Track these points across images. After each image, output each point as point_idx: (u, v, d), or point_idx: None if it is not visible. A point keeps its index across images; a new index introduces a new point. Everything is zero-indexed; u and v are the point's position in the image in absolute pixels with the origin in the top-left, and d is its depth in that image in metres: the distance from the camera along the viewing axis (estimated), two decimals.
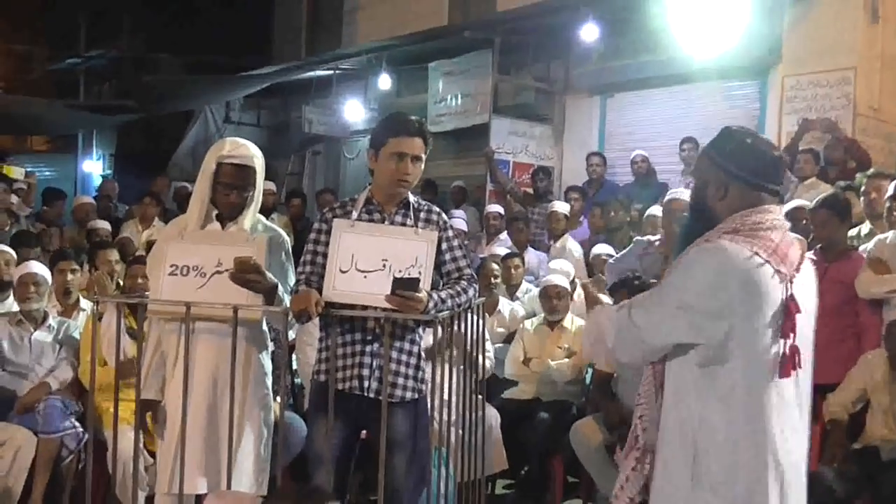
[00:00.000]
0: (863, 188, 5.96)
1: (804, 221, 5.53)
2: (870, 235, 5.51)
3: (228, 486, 3.31)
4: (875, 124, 7.99)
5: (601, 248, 6.87)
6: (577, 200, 8.34)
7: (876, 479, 4.17)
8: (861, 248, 5.23)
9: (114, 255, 5.98)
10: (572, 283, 6.29)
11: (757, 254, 2.29)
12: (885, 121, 8.06)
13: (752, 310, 2.28)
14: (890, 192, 5.32)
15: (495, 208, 8.69)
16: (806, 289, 2.40)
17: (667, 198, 5.98)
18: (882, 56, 8.04)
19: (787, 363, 2.29)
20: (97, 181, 15.16)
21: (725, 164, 2.40)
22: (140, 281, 4.90)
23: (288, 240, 3.77)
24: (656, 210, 6.60)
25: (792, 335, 2.29)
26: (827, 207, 5.12)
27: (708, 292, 2.28)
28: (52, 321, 4.97)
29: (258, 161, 3.58)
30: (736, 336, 2.29)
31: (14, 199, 8.39)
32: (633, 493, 2.51)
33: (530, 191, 9.33)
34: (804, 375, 2.39)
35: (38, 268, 4.98)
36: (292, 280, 3.55)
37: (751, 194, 2.39)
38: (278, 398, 3.80)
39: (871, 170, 6.49)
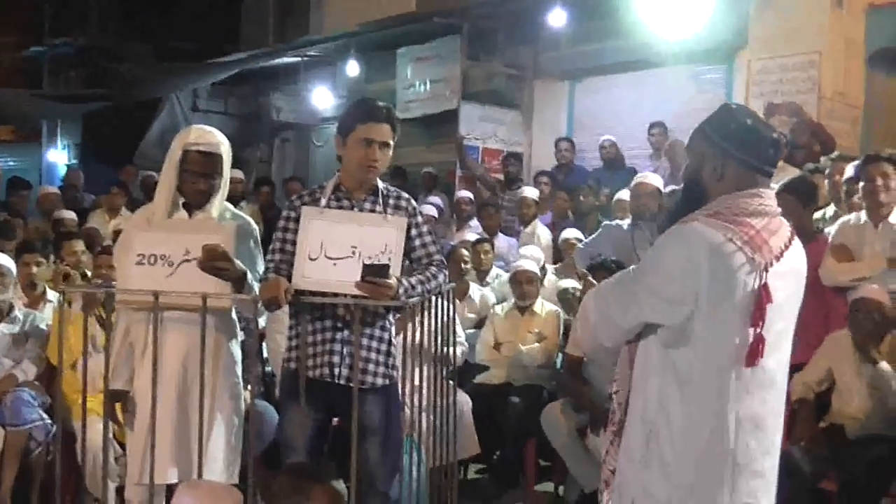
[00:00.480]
0: (827, 171, 6.03)
1: None
2: (835, 218, 5.57)
3: (200, 475, 3.29)
4: (840, 108, 8.08)
5: (570, 233, 6.90)
6: (547, 185, 8.36)
7: (842, 458, 4.24)
8: (826, 230, 5.29)
9: (79, 245, 5.92)
10: (542, 269, 6.31)
11: (731, 240, 2.26)
12: (851, 104, 8.15)
13: (718, 297, 2.26)
14: (848, 172, 5.38)
15: (465, 194, 8.69)
16: (789, 275, 2.36)
17: (634, 182, 6.02)
18: (846, 40, 8.13)
19: (753, 352, 2.27)
20: (62, 171, 14.98)
21: (726, 144, 2.35)
22: (106, 271, 4.86)
23: (256, 227, 3.75)
24: (625, 194, 6.63)
25: (761, 324, 2.27)
26: (789, 192, 5.13)
27: (675, 276, 2.28)
28: (18, 312, 4.92)
29: (224, 148, 3.56)
30: (700, 321, 2.27)
31: None
32: (613, 466, 2.51)
33: (500, 177, 9.34)
34: (775, 363, 2.37)
35: (2, 259, 4.92)
36: (261, 267, 3.54)
37: (747, 176, 2.35)
38: (249, 387, 3.79)
39: (836, 153, 6.57)
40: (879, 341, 4.35)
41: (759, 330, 2.28)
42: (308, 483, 2.56)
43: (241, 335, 3.74)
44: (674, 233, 2.34)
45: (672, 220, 2.43)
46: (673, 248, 2.31)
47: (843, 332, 4.53)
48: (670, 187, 6.29)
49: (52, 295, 5.21)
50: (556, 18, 9.23)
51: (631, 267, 2.53)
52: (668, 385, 2.34)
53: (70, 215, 7.93)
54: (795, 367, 4.58)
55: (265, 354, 5.15)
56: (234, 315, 3.65)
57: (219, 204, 3.59)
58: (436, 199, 9.00)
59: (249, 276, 3.41)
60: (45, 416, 4.69)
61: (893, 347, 4.37)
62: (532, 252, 6.68)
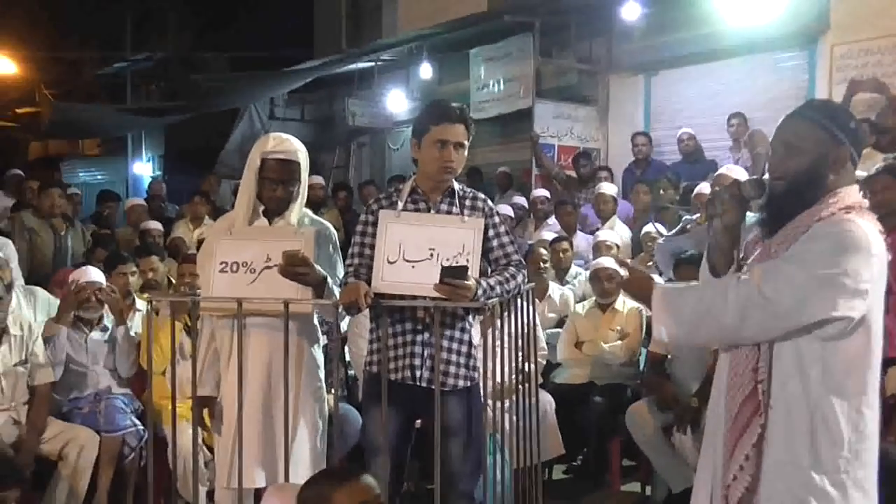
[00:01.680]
0: None
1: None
2: None
3: (286, 479, 3.34)
4: None
5: (650, 227, 6.80)
6: (610, 181, 8.36)
7: None
8: None
9: (155, 261, 6.08)
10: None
11: (881, 233, 2.34)
12: None
13: (881, 287, 2.34)
14: None
15: (541, 192, 8.65)
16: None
17: (716, 174, 5.90)
18: None
19: (892, 343, 2.33)
20: (148, 182, 15.41)
21: (848, 140, 2.41)
22: (189, 279, 4.97)
23: (335, 232, 3.79)
24: (705, 188, 6.51)
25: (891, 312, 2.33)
26: (889, 172, 5.05)
27: (861, 269, 2.28)
28: (107, 321, 5.06)
29: (302, 155, 3.59)
30: (870, 313, 2.33)
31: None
32: (752, 472, 2.39)
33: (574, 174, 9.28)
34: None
35: (97, 275, 5.06)
36: (341, 272, 3.57)
37: (852, 171, 2.46)
38: (332, 390, 3.82)
39: None
40: None
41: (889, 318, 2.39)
42: (328, 489, 2.39)
43: (323, 339, 3.78)
44: (841, 225, 2.32)
45: (779, 212, 2.44)
46: (851, 241, 2.30)
47: None
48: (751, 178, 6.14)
49: (140, 304, 5.34)
50: (629, 11, 9.11)
51: (776, 259, 2.37)
52: (828, 379, 2.33)
53: (156, 226, 8.14)
54: (890, 361, 4.44)
55: (347, 358, 5.20)
56: (315, 320, 3.69)
57: (298, 210, 3.63)
58: (520, 199, 8.99)
59: (330, 280, 3.44)
60: (137, 422, 4.81)
61: None
62: (608, 235, 6.73)
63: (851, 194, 2.40)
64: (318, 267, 3.38)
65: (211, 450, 4.16)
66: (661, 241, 6.28)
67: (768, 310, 2.28)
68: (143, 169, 17.56)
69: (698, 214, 5.77)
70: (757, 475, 2.36)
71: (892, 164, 5.23)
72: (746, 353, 2.40)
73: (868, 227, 2.32)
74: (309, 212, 3.76)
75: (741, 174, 5.91)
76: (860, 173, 5.75)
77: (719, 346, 2.50)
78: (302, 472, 3.50)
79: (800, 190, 2.42)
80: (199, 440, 3.63)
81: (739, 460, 2.38)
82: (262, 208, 3.62)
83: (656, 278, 2.70)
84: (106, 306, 5.01)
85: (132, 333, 5.08)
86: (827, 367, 2.32)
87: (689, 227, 5.66)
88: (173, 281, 5.98)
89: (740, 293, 2.31)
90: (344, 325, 5.04)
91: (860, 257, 2.28)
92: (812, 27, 8.27)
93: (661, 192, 7.54)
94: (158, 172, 16.59)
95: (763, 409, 2.35)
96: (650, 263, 6.57)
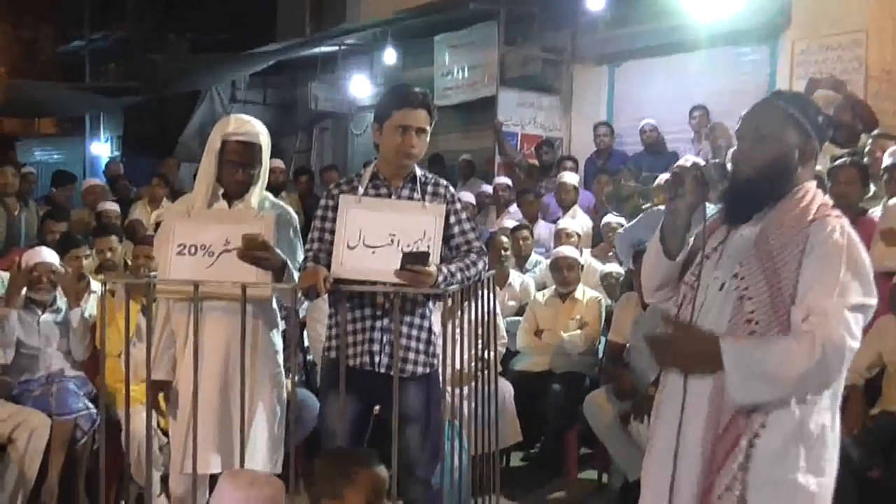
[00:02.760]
0: (867, 148, 5.92)
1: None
2: (875, 197, 5.47)
3: (242, 465, 3.31)
4: (888, 87, 7.88)
5: (612, 218, 6.83)
6: (573, 171, 8.35)
7: (893, 447, 4.14)
8: (871, 211, 5.18)
9: (113, 241, 5.97)
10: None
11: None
12: None
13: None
14: (886, 161, 5.29)
15: (503, 181, 8.66)
16: None
17: (677, 165, 5.92)
18: (894, 17, 7.92)
19: None
20: (105, 163, 15.19)
21: (815, 134, 2.40)
22: (143, 261, 4.90)
23: (295, 216, 3.75)
24: (665, 179, 6.54)
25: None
26: (855, 166, 5.15)
27: (871, 278, 2.29)
28: (61, 303, 4.97)
29: (263, 138, 3.55)
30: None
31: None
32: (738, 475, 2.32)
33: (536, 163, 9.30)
34: None
35: (50, 256, 4.96)
36: (301, 257, 3.53)
37: (815, 167, 2.46)
38: (290, 376, 3.79)
39: (877, 130, 6.43)
40: None
41: None
42: (353, 467, 2.55)
43: (281, 324, 3.74)
44: (850, 235, 2.30)
45: (753, 201, 2.41)
46: (860, 251, 2.30)
47: (891, 315, 4.43)
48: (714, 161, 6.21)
49: (95, 285, 5.25)
50: (594, 2, 9.14)
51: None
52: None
53: (113, 207, 8.00)
54: None
55: (306, 343, 5.16)
56: (274, 304, 3.66)
57: (258, 193, 3.59)
58: (482, 186, 8.99)
59: (290, 265, 3.41)
60: (90, 405, 4.74)
61: None
62: (569, 224, 6.80)
63: (818, 192, 2.40)
64: (277, 251, 3.35)
65: (166, 434, 4.11)
66: (620, 231, 6.35)
67: (850, 351, 2.22)
68: (101, 150, 17.29)
69: (654, 199, 5.82)
70: (744, 494, 2.28)
71: (854, 157, 5.30)
72: None
73: (854, 235, 2.32)
74: (269, 195, 3.72)
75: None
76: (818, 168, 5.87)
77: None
78: (259, 457, 3.48)
79: (768, 180, 2.39)
80: (154, 424, 3.58)
81: (726, 480, 2.30)
82: (221, 191, 3.57)
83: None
84: (59, 288, 4.92)
85: (86, 316, 4.99)
86: None
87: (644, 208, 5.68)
88: (129, 263, 5.89)
89: (825, 341, 2.18)
90: (302, 311, 5.00)
91: (868, 274, 2.29)
92: (774, 22, 8.35)
93: (623, 182, 7.57)
94: (117, 153, 16.34)
95: (761, 415, 2.28)
96: (610, 253, 6.61)
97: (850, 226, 2.32)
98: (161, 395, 3.59)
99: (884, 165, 5.33)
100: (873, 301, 2.27)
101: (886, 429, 4.25)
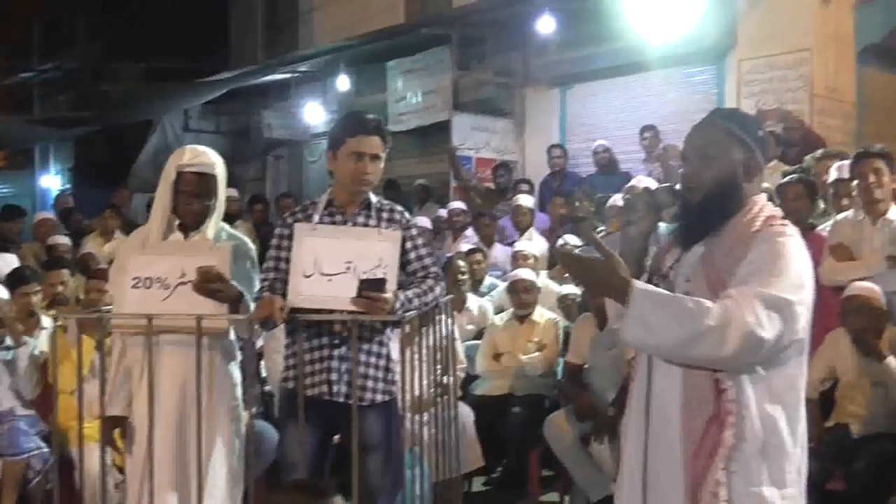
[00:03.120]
0: (813, 169, 6.06)
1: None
2: (822, 215, 5.59)
3: (200, 502, 3.25)
4: (832, 105, 8.07)
5: (567, 239, 6.87)
6: (529, 194, 8.39)
7: (848, 457, 4.21)
8: (819, 227, 5.28)
9: (64, 274, 5.87)
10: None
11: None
12: (842, 100, 8.15)
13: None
14: (833, 174, 5.40)
15: (458, 205, 8.66)
16: None
17: (627, 186, 6.00)
18: (836, 36, 8.12)
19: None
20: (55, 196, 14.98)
21: (758, 148, 2.41)
22: (95, 295, 4.83)
23: (253, 247, 3.71)
24: (618, 200, 6.61)
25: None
26: (802, 182, 5.26)
27: (809, 284, 2.29)
28: (9, 341, 4.86)
29: (219, 168, 3.52)
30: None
31: None
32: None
33: (493, 186, 9.34)
34: None
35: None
36: (255, 285, 3.50)
37: (762, 181, 2.47)
38: (247, 407, 3.74)
39: (820, 151, 6.58)
40: (879, 337, 4.31)
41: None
42: (310, 500, 2.49)
43: (239, 356, 3.70)
44: (788, 241, 2.30)
45: (705, 222, 2.40)
46: (801, 258, 2.30)
47: (842, 329, 4.50)
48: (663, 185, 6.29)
49: (46, 321, 5.15)
50: (545, 25, 9.24)
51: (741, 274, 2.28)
52: (774, 398, 2.32)
53: (64, 240, 7.89)
54: None
55: (263, 374, 5.11)
56: (232, 336, 3.61)
57: (214, 224, 3.56)
58: (439, 210, 9.00)
59: (246, 296, 3.38)
60: (42, 444, 4.64)
61: (892, 342, 4.33)
62: (526, 247, 6.80)
63: (767, 204, 2.42)
64: (233, 283, 3.31)
65: (121, 471, 4.03)
66: (576, 252, 6.39)
67: (755, 337, 2.17)
68: (51, 182, 17.04)
69: (609, 225, 5.87)
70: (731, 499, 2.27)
71: (804, 176, 5.42)
72: (701, 370, 2.29)
73: (800, 243, 2.32)
74: (226, 226, 3.68)
75: (653, 186, 6.03)
76: (765, 185, 5.97)
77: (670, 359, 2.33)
78: (218, 494, 3.42)
79: (717, 199, 2.39)
80: (108, 461, 3.51)
81: (710, 486, 2.27)
82: (177, 223, 3.53)
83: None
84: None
85: (37, 352, 4.90)
86: (771, 385, 2.29)
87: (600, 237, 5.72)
88: (82, 297, 5.80)
89: (731, 316, 2.17)
90: (260, 341, 4.95)
91: (808, 272, 2.30)
92: (720, 43, 8.51)
93: (577, 203, 7.64)
94: (67, 186, 16.12)
95: (733, 428, 2.26)
96: (567, 275, 6.64)
97: (796, 234, 2.33)
98: (117, 432, 3.52)
99: (830, 180, 5.43)
100: (796, 299, 2.22)
101: (842, 440, 4.32)
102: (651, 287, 2.27)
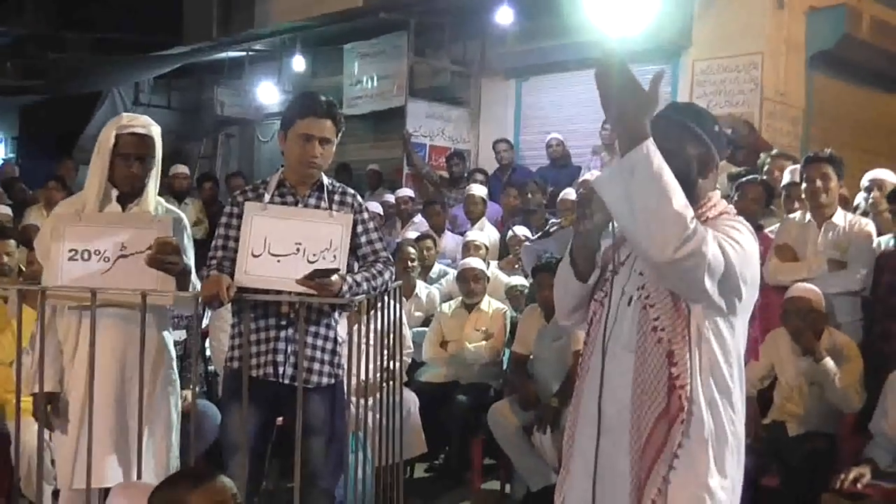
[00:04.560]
0: (766, 167, 6.15)
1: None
2: (771, 215, 5.69)
3: (139, 477, 3.21)
4: (781, 109, 8.23)
5: (519, 230, 6.91)
6: (483, 184, 8.40)
7: (783, 454, 4.30)
8: (768, 229, 5.37)
9: (9, 245, 5.73)
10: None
11: (755, 240, 2.35)
12: (792, 105, 8.30)
13: (755, 293, 2.33)
14: (786, 178, 5.49)
15: (406, 192, 8.66)
16: None
17: (580, 179, 6.05)
18: (787, 41, 8.27)
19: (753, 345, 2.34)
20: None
21: (713, 143, 2.40)
22: (37, 266, 4.71)
23: (187, 221, 3.66)
24: (570, 193, 6.66)
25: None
26: (762, 184, 5.40)
27: (756, 263, 2.30)
28: None
29: (156, 131, 3.47)
30: (745, 315, 2.32)
31: None
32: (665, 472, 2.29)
33: (446, 174, 9.34)
34: None
35: None
36: (191, 263, 3.45)
37: (716, 177, 2.45)
38: (191, 386, 3.71)
39: (775, 150, 6.68)
40: (817, 338, 4.41)
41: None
42: (182, 493, 2.25)
43: (182, 333, 3.66)
44: (740, 227, 2.31)
45: None
46: (751, 241, 2.29)
47: (783, 329, 4.59)
48: None
49: None
50: (503, 16, 9.26)
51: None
52: (723, 387, 2.33)
53: (5, 210, 7.72)
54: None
55: (208, 353, 5.06)
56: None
57: (153, 196, 3.50)
58: (390, 196, 8.96)
59: (193, 273, 3.34)
60: None
61: (829, 344, 4.43)
62: (477, 236, 6.82)
63: (722, 201, 2.41)
64: (185, 257, 3.27)
65: None
66: (527, 243, 6.43)
67: (703, 264, 2.12)
68: None
69: (562, 219, 5.92)
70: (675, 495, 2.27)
71: (765, 179, 5.56)
72: (655, 364, 2.29)
73: (753, 239, 2.32)
74: (162, 200, 3.60)
75: None
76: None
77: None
78: (157, 469, 3.38)
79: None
80: (46, 437, 3.44)
81: (657, 482, 2.27)
82: (115, 193, 3.45)
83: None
84: None
85: None
86: (718, 371, 2.30)
87: (552, 230, 5.79)
88: (24, 269, 5.67)
89: (697, 232, 2.10)
90: (206, 320, 4.90)
91: (755, 254, 2.30)
92: (675, 43, 8.61)
93: (530, 195, 7.68)
94: (11, 155, 15.75)
95: (682, 425, 2.26)
96: (516, 266, 6.68)
97: (749, 230, 2.33)
98: (49, 407, 3.43)
99: (782, 184, 5.53)
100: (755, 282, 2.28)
101: (778, 437, 4.41)
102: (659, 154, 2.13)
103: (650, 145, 2.12)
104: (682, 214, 2.08)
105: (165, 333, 3.54)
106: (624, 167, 2.13)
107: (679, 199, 2.09)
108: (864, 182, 5.69)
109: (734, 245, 2.21)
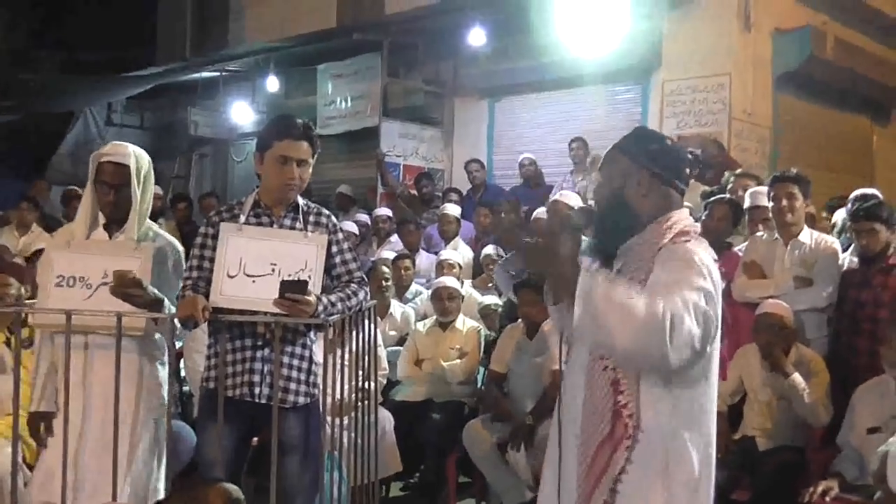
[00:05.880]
0: (730, 186, 6.26)
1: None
2: (738, 233, 5.77)
3: (114, 498, 3.21)
4: (749, 128, 8.36)
5: (491, 249, 6.96)
6: (457, 203, 8.45)
7: (752, 468, 4.36)
8: (736, 248, 5.45)
9: None
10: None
11: (715, 261, 2.35)
12: (758, 124, 8.44)
13: (718, 317, 2.31)
14: (747, 202, 5.57)
15: (383, 211, 8.70)
16: None
17: (551, 199, 6.11)
18: (755, 62, 8.42)
19: (724, 366, 2.37)
20: None
21: (650, 163, 2.42)
22: (2, 289, 4.70)
23: (181, 249, 3.69)
24: (542, 212, 6.72)
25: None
26: (729, 205, 5.45)
27: (714, 295, 2.28)
28: None
29: (132, 160, 3.51)
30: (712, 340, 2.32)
31: None
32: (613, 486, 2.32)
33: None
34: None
35: None
36: (176, 290, 3.48)
37: (669, 193, 2.45)
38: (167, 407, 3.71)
39: (739, 170, 6.80)
40: (786, 353, 4.48)
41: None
42: (200, 489, 2.50)
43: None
44: (694, 252, 2.31)
45: (612, 237, 2.45)
46: (705, 261, 2.30)
47: (752, 345, 4.66)
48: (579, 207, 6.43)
49: None
50: (475, 37, 9.36)
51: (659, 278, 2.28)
52: (680, 414, 2.33)
53: None
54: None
55: (182, 374, 5.05)
56: (157, 336, 3.57)
57: (138, 222, 3.53)
58: (364, 216, 8.98)
59: (166, 302, 3.35)
60: None
61: (797, 359, 4.50)
62: (451, 255, 6.87)
63: (683, 219, 2.44)
64: (151, 288, 3.28)
65: (32, 469, 3.95)
66: (500, 262, 6.47)
67: (680, 339, 2.15)
68: None
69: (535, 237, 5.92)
70: None
71: (733, 199, 5.61)
72: (601, 391, 2.32)
73: (706, 257, 2.33)
74: (154, 225, 3.66)
75: (575, 200, 6.16)
76: (686, 204, 6.15)
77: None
78: (138, 491, 3.39)
79: (611, 217, 2.46)
80: (20, 459, 3.44)
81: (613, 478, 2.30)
82: (102, 221, 3.53)
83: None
84: None
85: None
86: (677, 401, 2.31)
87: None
88: None
89: (658, 315, 2.13)
90: (178, 342, 4.90)
91: (711, 283, 2.27)
92: (645, 63, 8.74)
93: (503, 215, 7.73)
94: None
95: (626, 451, 2.29)
96: (490, 284, 6.73)
97: (701, 247, 2.35)
98: (42, 427, 3.48)
99: (746, 206, 5.62)
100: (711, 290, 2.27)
101: (748, 451, 4.48)
102: (597, 277, 2.20)
103: (584, 279, 2.17)
104: (650, 314, 2.11)
105: (157, 364, 3.57)
106: (581, 311, 2.16)
107: (637, 303, 2.12)
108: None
109: (694, 297, 2.19)
